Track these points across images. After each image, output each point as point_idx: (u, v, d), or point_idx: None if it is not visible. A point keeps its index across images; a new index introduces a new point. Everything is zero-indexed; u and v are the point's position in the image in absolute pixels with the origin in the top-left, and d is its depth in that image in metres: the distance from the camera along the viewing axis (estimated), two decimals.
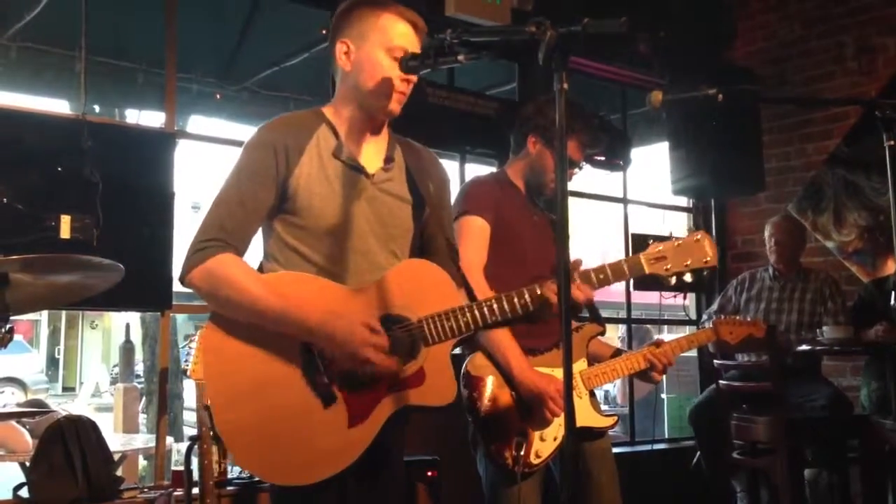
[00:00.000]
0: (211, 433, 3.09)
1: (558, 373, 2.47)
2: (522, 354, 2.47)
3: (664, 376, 2.64)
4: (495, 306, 1.91)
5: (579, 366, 2.57)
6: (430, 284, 1.91)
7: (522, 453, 2.40)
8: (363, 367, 1.75)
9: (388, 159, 1.99)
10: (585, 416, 2.51)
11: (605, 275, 2.02)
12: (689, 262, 2.04)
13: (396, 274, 1.88)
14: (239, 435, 1.75)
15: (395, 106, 1.92)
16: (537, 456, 2.46)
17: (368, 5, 1.92)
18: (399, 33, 1.89)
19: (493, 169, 4.19)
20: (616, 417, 2.65)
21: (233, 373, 1.76)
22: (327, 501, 1.80)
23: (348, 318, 1.75)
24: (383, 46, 1.88)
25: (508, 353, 2.45)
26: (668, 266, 2.03)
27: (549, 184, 2.66)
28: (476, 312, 1.89)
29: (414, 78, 1.91)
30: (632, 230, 5.47)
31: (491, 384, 2.46)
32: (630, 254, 2.10)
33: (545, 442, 2.47)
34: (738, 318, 2.89)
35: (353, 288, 1.85)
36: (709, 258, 2.04)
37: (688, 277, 2.05)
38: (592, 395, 2.62)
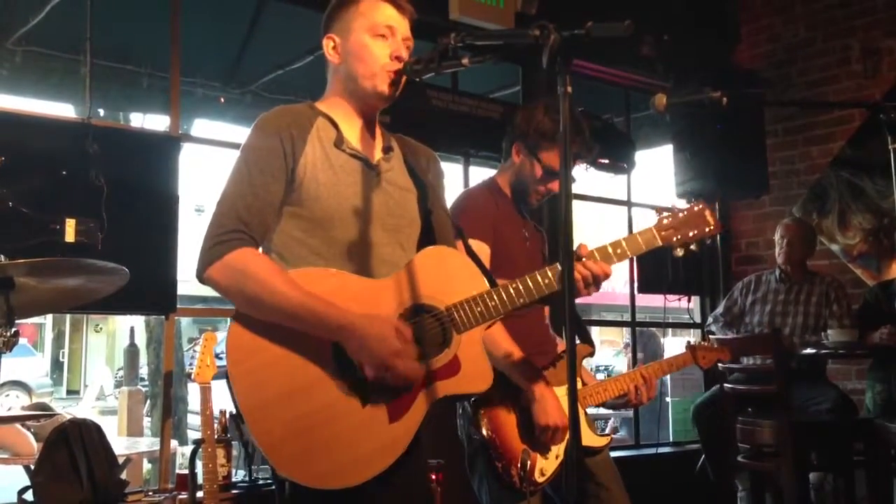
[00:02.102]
0: (215, 437, 3.10)
1: (558, 391, 2.46)
2: (537, 376, 2.42)
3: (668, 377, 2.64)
4: (521, 288, 1.90)
5: None
6: (455, 271, 1.89)
7: (528, 471, 2.38)
8: (391, 375, 1.70)
9: (387, 149, 1.96)
10: (583, 436, 2.49)
11: (622, 249, 2.02)
12: (694, 232, 2.08)
13: (420, 262, 1.85)
14: (280, 446, 1.67)
15: (388, 87, 1.85)
16: (542, 474, 2.45)
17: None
18: (381, 13, 1.87)
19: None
20: (610, 437, 2.66)
21: (267, 383, 1.69)
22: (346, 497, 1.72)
23: (379, 325, 1.70)
24: (367, 29, 1.86)
25: (522, 383, 2.40)
26: (678, 237, 2.07)
27: (534, 193, 2.63)
28: (504, 295, 1.88)
29: (405, 56, 1.86)
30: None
31: (493, 402, 2.42)
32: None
33: (548, 459, 2.46)
34: (707, 344, 3.00)
35: (379, 280, 1.81)
36: (711, 227, 2.09)
37: (693, 247, 2.09)
38: (586, 414, 2.61)
